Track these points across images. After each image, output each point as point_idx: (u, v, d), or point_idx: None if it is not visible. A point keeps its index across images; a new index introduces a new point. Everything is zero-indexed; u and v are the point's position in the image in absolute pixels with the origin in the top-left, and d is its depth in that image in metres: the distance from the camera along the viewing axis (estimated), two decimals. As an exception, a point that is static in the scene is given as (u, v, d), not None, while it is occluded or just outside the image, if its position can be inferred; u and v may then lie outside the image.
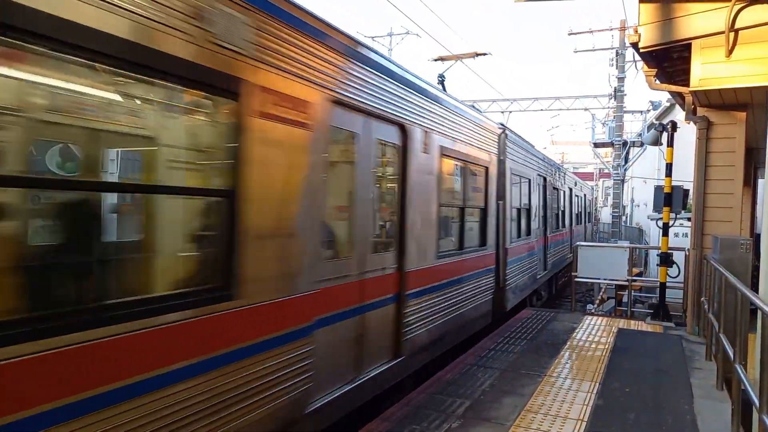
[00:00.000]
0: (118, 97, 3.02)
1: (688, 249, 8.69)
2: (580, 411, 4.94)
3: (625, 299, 11.37)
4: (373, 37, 27.00)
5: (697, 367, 6.44)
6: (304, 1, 3.91)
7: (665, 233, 9.33)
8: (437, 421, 4.66)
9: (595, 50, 23.96)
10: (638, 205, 34.44)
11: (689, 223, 9.80)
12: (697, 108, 8.00)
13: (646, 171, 28.10)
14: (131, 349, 2.67)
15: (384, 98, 5.01)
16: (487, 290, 8.28)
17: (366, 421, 4.71)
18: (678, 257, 9.46)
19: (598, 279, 11.47)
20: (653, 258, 15.03)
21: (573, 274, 10.76)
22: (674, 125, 9.25)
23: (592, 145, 26.22)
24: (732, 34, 6.34)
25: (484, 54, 10.64)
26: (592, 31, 23.83)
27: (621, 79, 23.02)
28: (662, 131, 10.00)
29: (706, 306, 7.18)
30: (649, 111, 26.30)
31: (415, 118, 5.65)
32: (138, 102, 3.15)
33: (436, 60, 10.65)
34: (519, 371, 6.08)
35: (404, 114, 5.40)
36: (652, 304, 11.53)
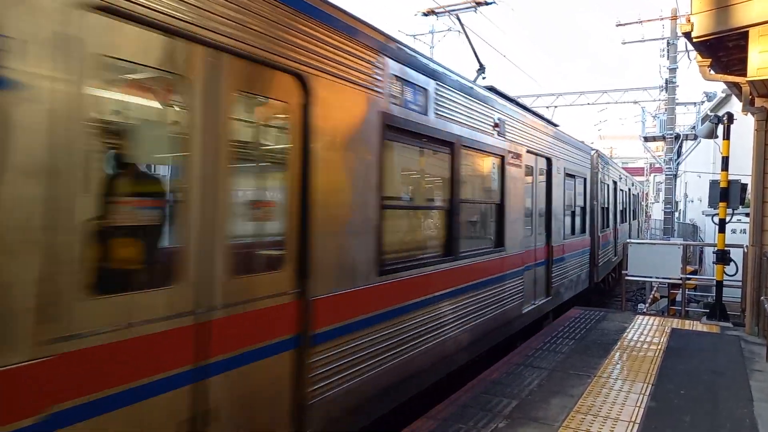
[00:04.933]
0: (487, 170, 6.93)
1: (747, 246, 8.34)
2: (632, 413, 4.83)
3: (678, 298, 10.99)
4: (414, 36, 26.91)
5: (757, 369, 6.18)
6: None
7: (722, 230, 8.97)
8: (484, 420, 4.64)
9: (644, 41, 23.22)
10: (692, 201, 33.15)
11: (747, 219, 9.40)
12: (755, 98, 7.67)
13: (700, 165, 26.99)
14: (484, 267, 6.43)
15: (542, 144, 8.58)
16: (587, 264, 12.31)
17: (412, 419, 4.75)
18: (735, 254, 9.08)
19: (650, 277, 11.08)
20: (708, 255, 14.46)
21: (623, 272, 10.46)
22: (730, 117, 8.88)
23: (642, 139, 25.37)
24: (793, 21, 6.04)
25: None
26: (641, 21, 23.10)
27: (672, 70, 22.21)
28: (718, 123, 9.63)
29: (766, 305, 6.89)
30: (703, 102, 25.22)
31: (554, 152, 9.21)
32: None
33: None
34: (567, 371, 5.99)
35: (550, 150, 8.98)
36: (708, 303, 11.09)
